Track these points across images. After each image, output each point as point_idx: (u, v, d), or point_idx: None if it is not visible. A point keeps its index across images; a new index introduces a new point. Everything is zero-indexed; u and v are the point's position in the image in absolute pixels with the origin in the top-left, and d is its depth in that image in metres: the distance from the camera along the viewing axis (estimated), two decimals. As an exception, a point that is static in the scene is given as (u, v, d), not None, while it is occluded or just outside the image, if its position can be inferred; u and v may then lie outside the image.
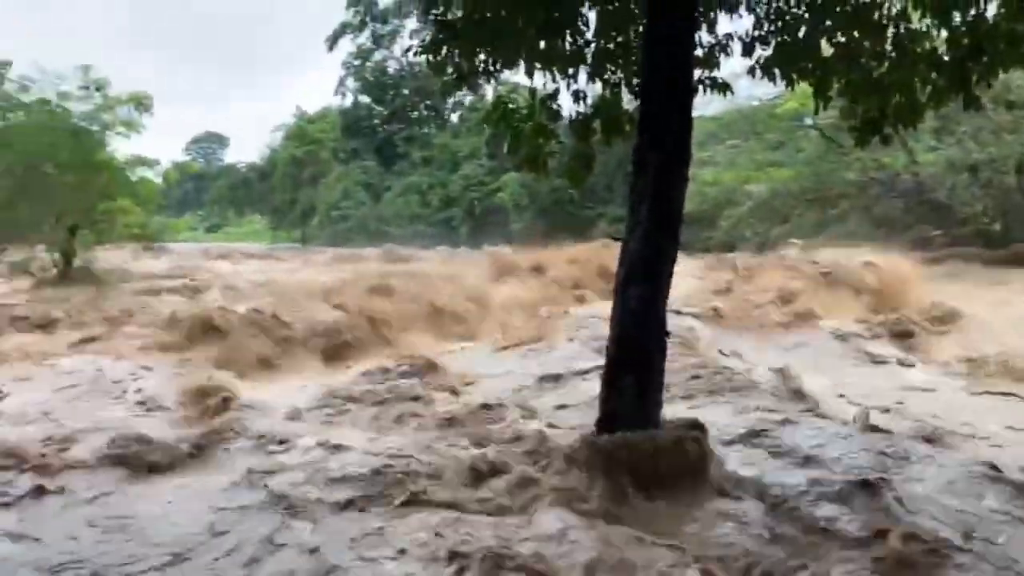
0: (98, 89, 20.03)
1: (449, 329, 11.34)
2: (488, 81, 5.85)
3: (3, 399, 6.65)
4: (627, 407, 5.02)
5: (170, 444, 5.27)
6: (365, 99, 60.59)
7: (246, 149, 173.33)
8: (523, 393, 7.45)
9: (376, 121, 60.72)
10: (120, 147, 21.84)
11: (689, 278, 13.36)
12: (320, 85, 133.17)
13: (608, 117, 5.76)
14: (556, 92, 5.83)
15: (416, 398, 6.94)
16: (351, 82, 60.73)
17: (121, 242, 22.30)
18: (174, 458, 5.12)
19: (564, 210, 42.71)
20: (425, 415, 6.45)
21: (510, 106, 5.95)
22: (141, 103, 20.29)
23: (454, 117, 60.44)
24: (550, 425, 6.18)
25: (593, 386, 5.76)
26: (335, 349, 9.97)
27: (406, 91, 58.72)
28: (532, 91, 5.87)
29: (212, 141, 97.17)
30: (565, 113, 5.89)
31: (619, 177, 35.13)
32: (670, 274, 5.12)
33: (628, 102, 5.83)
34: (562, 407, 6.99)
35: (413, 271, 16.46)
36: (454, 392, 7.37)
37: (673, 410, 5.98)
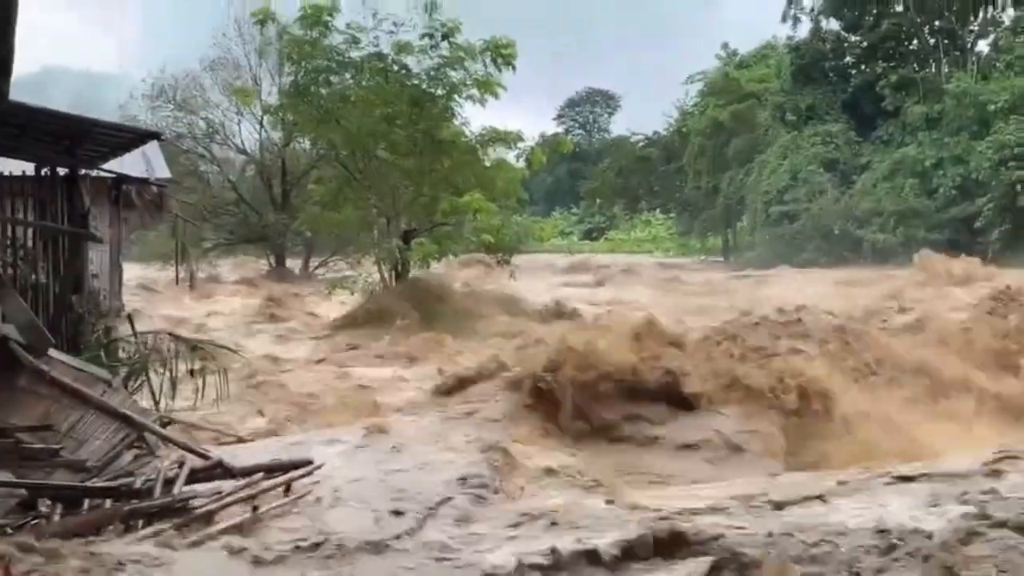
0: (445, 37, 22.54)
1: None
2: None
3: None
4: None
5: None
6: (832, 24, 60.33)
7: (644, 114, 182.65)
8: None
9: (848, 59, 60.08)
10: (471, 117, 24.28)
11: None
12: (759, 9, 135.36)
13: None
14: None
15: None
16: (808, -1, 60.91)
17: (467, 253, 24.78)
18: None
19: None
20: None
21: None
22: (500, 54, 22.37)
23: (981, 46, 57.39)
24: None
25: None
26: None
27: (899, 7, 57.20)
28: None
29: (595, 103, 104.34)
30: None
31: None
32: None
33: None
34: None
35: None
36: None
37: None
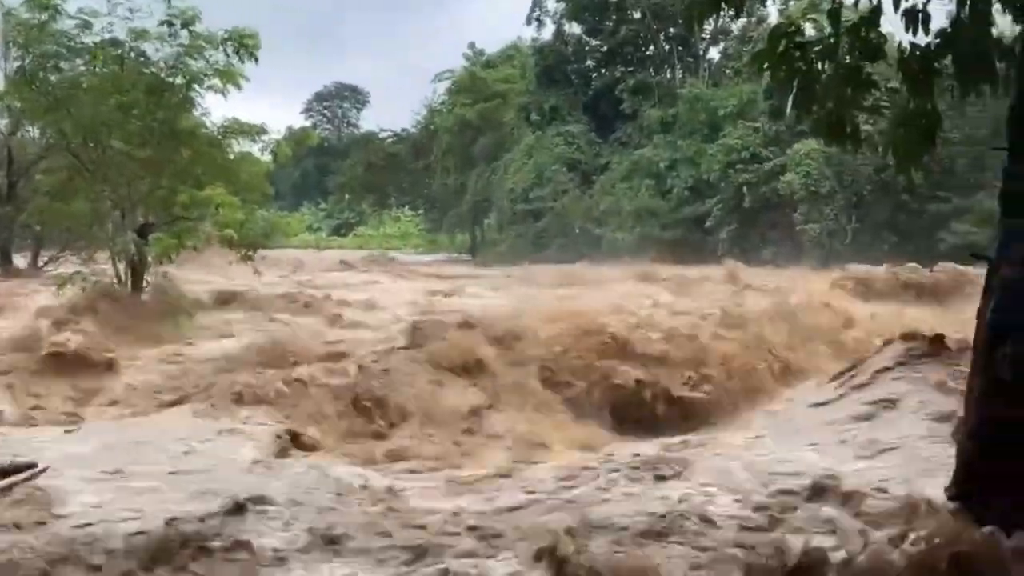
0: (185, 26, 21.90)
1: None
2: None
3: None
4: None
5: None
6: (574, 29, 62.12)
7: (393, 110, 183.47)
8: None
9: (589, 63, 61.99)
10: (213, 109, 23.70)
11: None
12: (505, 10, 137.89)
13: (966, 52, 5.52)
14: (877, 12, 5.69)
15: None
16: (552, 2, 62.55)
17: (209, 248, 24.13)
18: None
19: (894, 204, 41.39)
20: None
21: (799, 38, 5.89)
22: (243, 44, 21.93)
23: (713, 53, 60.48)
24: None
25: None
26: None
27: (637, 14, 59.49)
28: (835, 10, 5.75)
29: (343, 98, 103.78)
30: (892, 47, 5.75)
31: (990, 152, 33.42)
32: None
33: (1001, 28, 5.56)
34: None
35: None
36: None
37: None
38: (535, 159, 57.73)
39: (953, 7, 5.61)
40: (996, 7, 5.54)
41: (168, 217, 22.51)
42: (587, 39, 61.89)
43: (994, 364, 4.89)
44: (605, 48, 60.66)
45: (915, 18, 5.55)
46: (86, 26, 22.01)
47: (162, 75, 22.36)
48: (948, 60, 5.63)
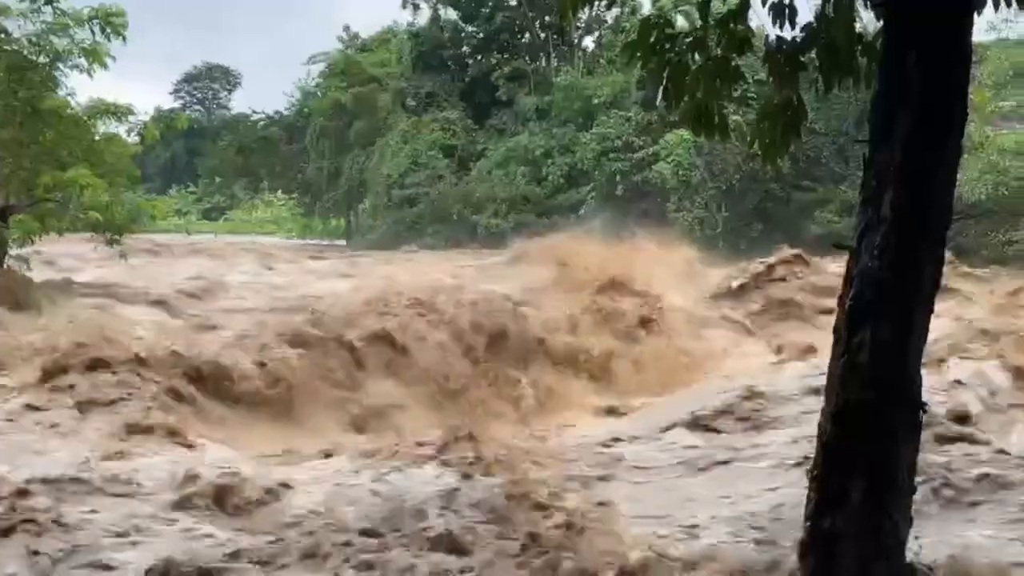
0: (48, 2, 21.26)
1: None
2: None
3: None
4: (852, 526, 4.96)
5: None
6: (450, 14, 61.79)
7: (265, 92, 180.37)
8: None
9: (465, 49, 61.82)
10: (78, 88, 23.09)
11: (964, 308, 13.35)
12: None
13: (829, 46, 5.65)
14: (745, 5, 5.76)
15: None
16: (428, -13, 62.03)
17: (73, 231, 23.53)
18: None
19: (762, 193, 42.27)
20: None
21: (669, 29, 5.93)
22: (109, 23, 21.37)
23: (587, 43, 60.85)
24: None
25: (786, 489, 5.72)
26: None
27: (513, 2, 59.51)
28: (704, 3, 5.82)
29: (214, 79, 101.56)
30: (758, 40, 5.84)
31: (854, 143, 34.39)
32: (929, 306, 5.00)
33: (864, 23, 5.71)
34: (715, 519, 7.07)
35: None
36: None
37: (934, 533, 5.81)
38: (411, 145, 57.36)
39: (819, 2, 5.73)
40: (859, 3, 5.68)
41: (31, 199, 21.92)
42: (463, 25, 61.67)
43: (853, 349, 4.99)
44: (481, 35, 60.58)
45: (782, 12, 5.65)
46: (-59, 1, 21.26)
47: (24, 53, 21.75)
48: (813, 54, 5.74)
